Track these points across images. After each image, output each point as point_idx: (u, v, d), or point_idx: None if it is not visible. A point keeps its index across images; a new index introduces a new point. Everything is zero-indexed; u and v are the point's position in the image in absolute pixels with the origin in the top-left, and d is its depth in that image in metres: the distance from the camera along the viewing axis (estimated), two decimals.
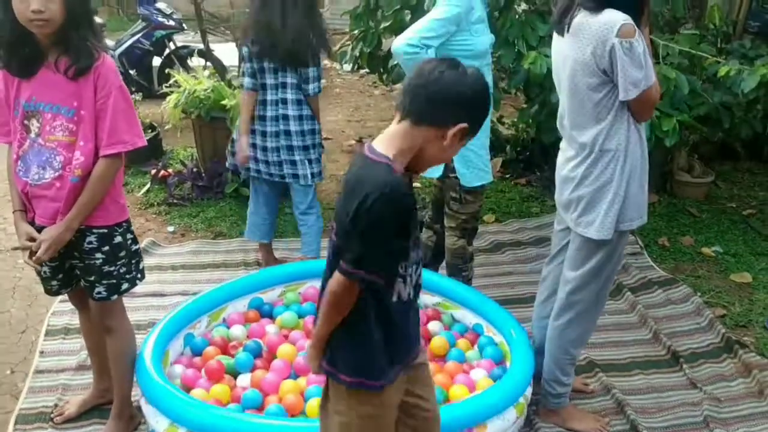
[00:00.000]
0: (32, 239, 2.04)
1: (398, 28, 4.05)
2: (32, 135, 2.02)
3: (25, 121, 2.02)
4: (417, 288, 1.62)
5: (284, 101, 3.15)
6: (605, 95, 2.07)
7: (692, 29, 4.68)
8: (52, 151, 2.01)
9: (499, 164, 4.94)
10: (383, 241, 1.42)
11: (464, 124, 1.44)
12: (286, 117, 3.16)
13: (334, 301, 1.48)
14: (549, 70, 3.38)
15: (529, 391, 2.34)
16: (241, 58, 3.12)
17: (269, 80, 3.14)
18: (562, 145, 2.33)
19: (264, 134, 3.20)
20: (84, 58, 1.95)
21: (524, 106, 4.35)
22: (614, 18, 1.98)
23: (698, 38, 4.15)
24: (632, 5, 2.03)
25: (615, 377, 2.73)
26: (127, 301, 3.13)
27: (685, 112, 3.63)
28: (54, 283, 2.23)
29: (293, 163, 3.22)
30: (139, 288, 3.29)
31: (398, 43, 2.53)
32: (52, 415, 2.44)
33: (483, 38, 2.64)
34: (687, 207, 4.32)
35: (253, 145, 3.24)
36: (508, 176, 4.86)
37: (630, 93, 2.02)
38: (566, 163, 2.26)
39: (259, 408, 2.25)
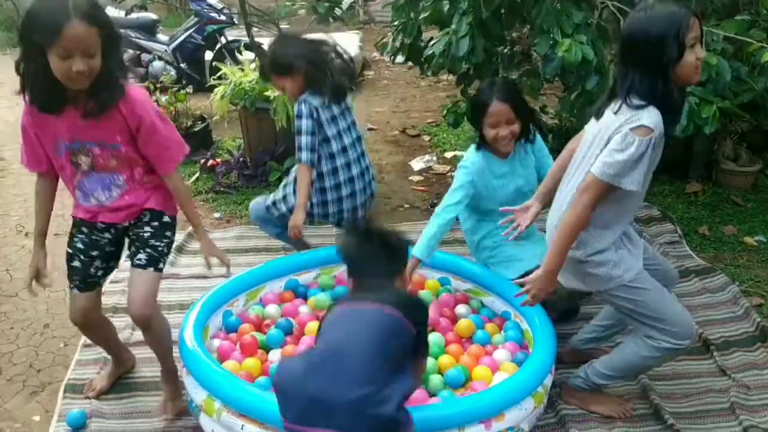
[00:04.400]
0: (38, 274, 2.32)
1: (437, 19, 4.12)
2: (83, 168, 2.19)
3: (73, 158, 2.18)
4: None
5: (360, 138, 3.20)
6: None
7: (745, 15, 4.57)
8: (112, 174, 2.21)
9: None
10: None
11: None
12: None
13: None
14: (584, 58, 3.40)
15: (549, 379, 2.38)
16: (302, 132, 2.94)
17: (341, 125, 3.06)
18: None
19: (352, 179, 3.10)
20: (110, 98, 2.04)
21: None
22: (644, 117, 2.00)
23: (748, 24, 4.06)
24: (671, 109, 2.05)
25: None
26: (171, 283, 3.35)
27: (728, 99, 3.57)
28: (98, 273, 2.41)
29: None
30: (184, 270, 3.51)
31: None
32: (84, 391, 2.59)
33: (502, 191, 2.82)
34: (731, 196, 4.24)
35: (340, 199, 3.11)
36: None
37: (602, 174, 2.04)
38: None
39: None
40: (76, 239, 2.34)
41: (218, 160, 4.83)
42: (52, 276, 2.42)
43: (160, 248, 2.32)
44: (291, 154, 4.51)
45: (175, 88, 5.32)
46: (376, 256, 2.05)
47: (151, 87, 5.41)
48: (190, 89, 5.39)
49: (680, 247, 3.67)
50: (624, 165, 2.02)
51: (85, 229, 2.33)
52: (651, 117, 2.01)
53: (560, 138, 5.01)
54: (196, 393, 2.28)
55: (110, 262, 2.42)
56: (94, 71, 1.95)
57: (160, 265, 2.35)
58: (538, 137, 2.92)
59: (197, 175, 4.76)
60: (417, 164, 5.00)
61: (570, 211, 2.15)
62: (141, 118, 2.11)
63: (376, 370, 1.72)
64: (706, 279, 3.34)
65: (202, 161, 4.83)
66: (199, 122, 5.21)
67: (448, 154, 5.18)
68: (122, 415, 2.49)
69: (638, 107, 2.03)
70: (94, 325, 2.50)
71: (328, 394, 1.68)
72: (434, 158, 5.08)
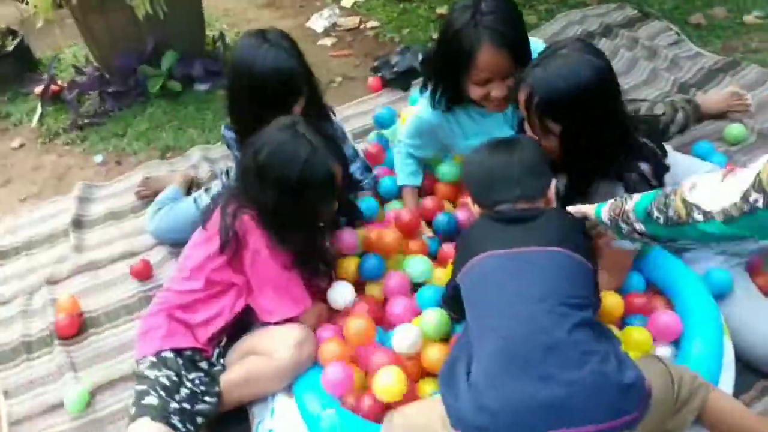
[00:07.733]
0: None
1: None
2: None
3: None
4: None
5: None
6: None
7: None
8: None
9: None
10: None
11: None
12: None
13: None
14: None
15: None
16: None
17: None
18: None
19: None
20: None
21: None
22: None
23: None
24: None
25: None
26: None
27: None
28: None
29: None
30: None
31: None
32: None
33: None
34: None
35: None
36: None
37: None
38: None
39: None
40: None
41: (61, 83, 3.53)
42: None
43: None
44: (168, 50, 3.34)
45: None
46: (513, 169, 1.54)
47: None
48: None
49: (684, 45, 3.10)
50: None
51: None
52: None
53: None
54: None
55: None
56: None
57: None
58: None
59: (40, 111, 3.45)
60: (317, 24, 3.97)
61: None
62: None
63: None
64: (736, 75, 2.83)
65: (38, 90, 3.50)
66: (10, 38, 3.77)
67: (347, 2, 4.18)
68: None
69: None
70: None
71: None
72: (335, 11, 4.07)
